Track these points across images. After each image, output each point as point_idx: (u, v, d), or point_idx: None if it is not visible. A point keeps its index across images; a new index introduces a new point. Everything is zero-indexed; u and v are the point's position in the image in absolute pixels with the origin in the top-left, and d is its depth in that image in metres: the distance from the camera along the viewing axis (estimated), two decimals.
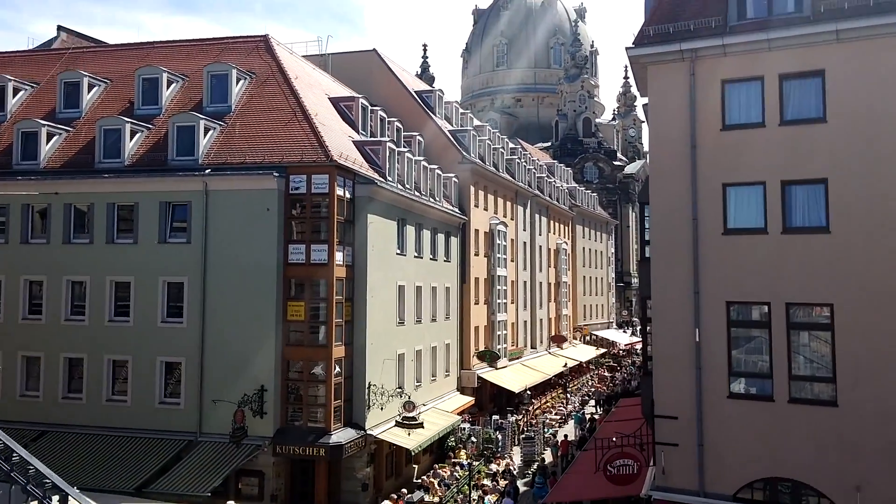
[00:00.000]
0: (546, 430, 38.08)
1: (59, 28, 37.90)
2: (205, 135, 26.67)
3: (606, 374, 58.92)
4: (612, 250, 78.70)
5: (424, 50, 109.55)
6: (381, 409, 27.24)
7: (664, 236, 18.08)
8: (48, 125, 28.49)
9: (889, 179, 15.87)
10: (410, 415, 28.22)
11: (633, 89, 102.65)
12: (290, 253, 25.30)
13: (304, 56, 35.86)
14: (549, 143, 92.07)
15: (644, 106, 21.97)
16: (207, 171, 25.77)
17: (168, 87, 29.42)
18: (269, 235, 25.04)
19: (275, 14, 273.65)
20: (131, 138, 27.33)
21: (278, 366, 24.74)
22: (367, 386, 26.41)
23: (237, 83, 28.73)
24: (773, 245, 16.84)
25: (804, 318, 16.83)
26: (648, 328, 19.72)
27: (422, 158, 34.23)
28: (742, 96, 17.55)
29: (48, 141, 28.25)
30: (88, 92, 30.25)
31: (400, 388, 29.21)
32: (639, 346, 70.72)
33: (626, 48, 18.56)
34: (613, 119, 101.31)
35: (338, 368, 25.34)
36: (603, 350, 64.53)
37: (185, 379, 25.22)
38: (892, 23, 15.88)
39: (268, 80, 29.22)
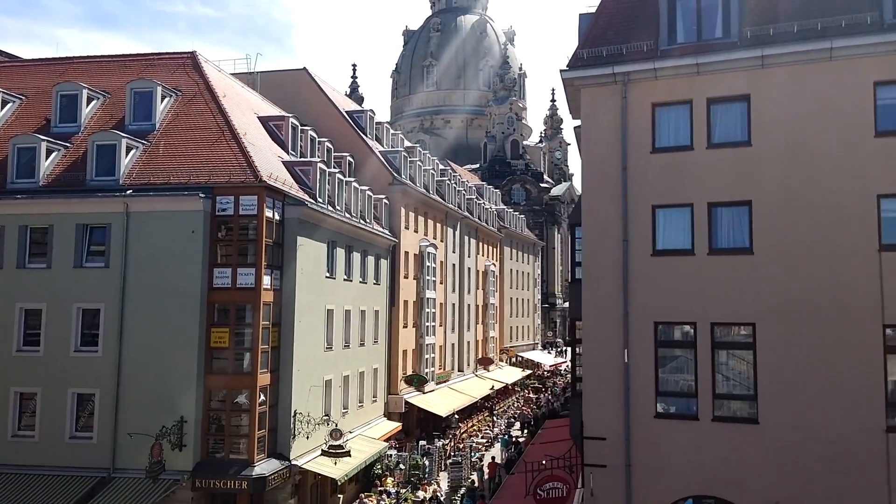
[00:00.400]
0: (473, 454, 37.94)
1: None
2: (127, 154, 25.63)
3: (532, 395, 59.28)
4: (539, 272, 79.57)
5: (354, 70, 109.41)
6: (307, 437, 26.56)
7: (595, 258, 18.18)
8: None
9: (808, 202, 16.36)
10: (337, 443, 27.60)
11: (560, 112, 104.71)
12: (215, 277, 24.50)
13: (232, 74, 35.06)
14: (478, 165, 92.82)
15: (575, 128, 22.13)
16: (129, 192, 24.76)
17: (88, 104, 28.18)
18: (193, 259, 24.18)
19: (199, 32, 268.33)
20: (47, 157, 26.03)
21: (200, 395, 23.80)
22: (292, 414, 25.69)
23: (162, 101, 27.77)
24: (699, 266, 17.12)
25: (728, 337, 17.18)
26: (578, 349, 19.78)
27: (353, 180, 33.85)
28: (672, 119, 17.84)
29: None
30: (2, 108, 28.71)
31: (327, 415, 28.58)
32: (563, 367, 71.78)
33: (560, 70, 18.65)
34: (540, 141, 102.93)
35: (263, 397, 24.57)
36: (528, 371, 64.92)
37: (98, 411, 23.97)
38: (814, 49, 16.39)
39: (195, 98, 28.37)
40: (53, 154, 26.38)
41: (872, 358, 15.68)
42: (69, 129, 27.51)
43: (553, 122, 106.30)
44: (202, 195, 24.25)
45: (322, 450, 27.38)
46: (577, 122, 21.53)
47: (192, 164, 25.62)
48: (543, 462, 19.77)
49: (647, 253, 17.60)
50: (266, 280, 24.77)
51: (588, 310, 18.17)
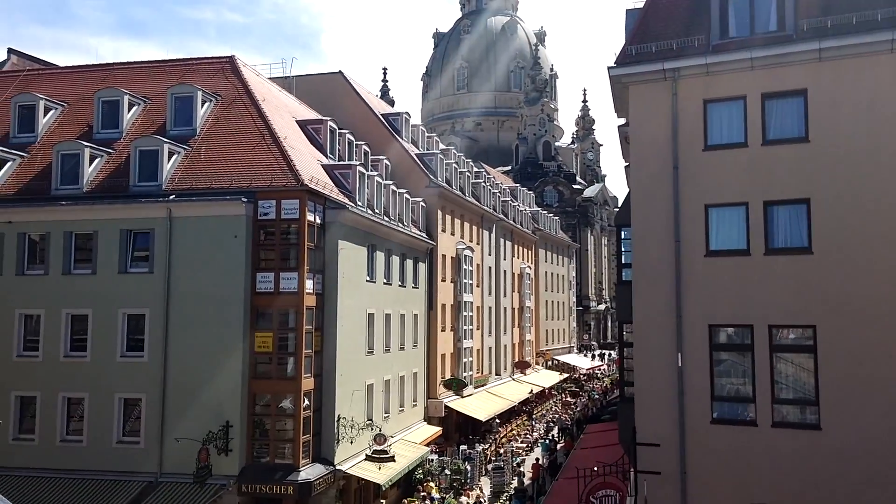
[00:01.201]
0: (514, 458, 37.52)
1: (10, 51, 36.21)
2: (169, 159, 25.70)
3: (570, 399, 58.65)
4: (574, 274, 78.84)
5: (384, 73, 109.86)
6: (351, 442, 26.37)
7: (645, 259, 17.68)
8: (1, 150, 27.14)
9: (870, 199, 15.75)
10: (381, 448, 27.42)
11: (592, 112, 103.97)
12: (257, 282, 24.42)
13: (269, 78, 35.07)
14: (510, 167, 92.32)
15: (620, 127, 21.69)
16: (171, 198, 24.81)
17: (129, 110, 28.38)
18: (236, 264, 24.13)
19: (228, 39, 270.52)
20: (90, 163, 26.21)
21: (244, 400, 23.75)
22: (336, 419, 25.52)
23: (202, 105, 27.82)
24: (755, 267, 16.56)
25: (787, 340, 16.61)
26: (626, 353, 19.31)
27: (390, 182, 33.65)
28: (724, 116, 17.30)
29: (1, 167, 26.89)
30: (44, 115, 29.04)
31: (369, 420, 28.36)
32: (600, 371, 70.99)
33: (608, 68, 18.19)
34: (572, 142, 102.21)
35: (307, 401, 24.43)
36: (565, 375, 64.29)
37: (145, 416, 24.04)
38: (873, 41, 15.79)
39: (234, 103, 28.40)
40: (96, 160, 26.55)
41: None
42: (111, 136, 27.71)
43: (585, 122, 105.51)
44: (244, 199, 24.21)
45: (366, 455, 27.19)
46: (622, 121, 21.05)
47: (234, 168, 25.62)
48: (595, 468, 19.31)
49: (701, 254, 17.05)
50: (308, 284, 24.64)
51: (639, 312, 17.66)
